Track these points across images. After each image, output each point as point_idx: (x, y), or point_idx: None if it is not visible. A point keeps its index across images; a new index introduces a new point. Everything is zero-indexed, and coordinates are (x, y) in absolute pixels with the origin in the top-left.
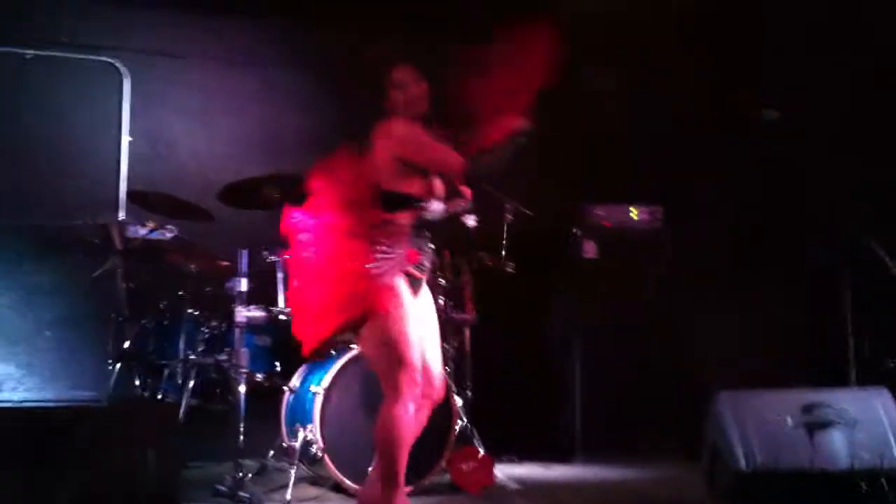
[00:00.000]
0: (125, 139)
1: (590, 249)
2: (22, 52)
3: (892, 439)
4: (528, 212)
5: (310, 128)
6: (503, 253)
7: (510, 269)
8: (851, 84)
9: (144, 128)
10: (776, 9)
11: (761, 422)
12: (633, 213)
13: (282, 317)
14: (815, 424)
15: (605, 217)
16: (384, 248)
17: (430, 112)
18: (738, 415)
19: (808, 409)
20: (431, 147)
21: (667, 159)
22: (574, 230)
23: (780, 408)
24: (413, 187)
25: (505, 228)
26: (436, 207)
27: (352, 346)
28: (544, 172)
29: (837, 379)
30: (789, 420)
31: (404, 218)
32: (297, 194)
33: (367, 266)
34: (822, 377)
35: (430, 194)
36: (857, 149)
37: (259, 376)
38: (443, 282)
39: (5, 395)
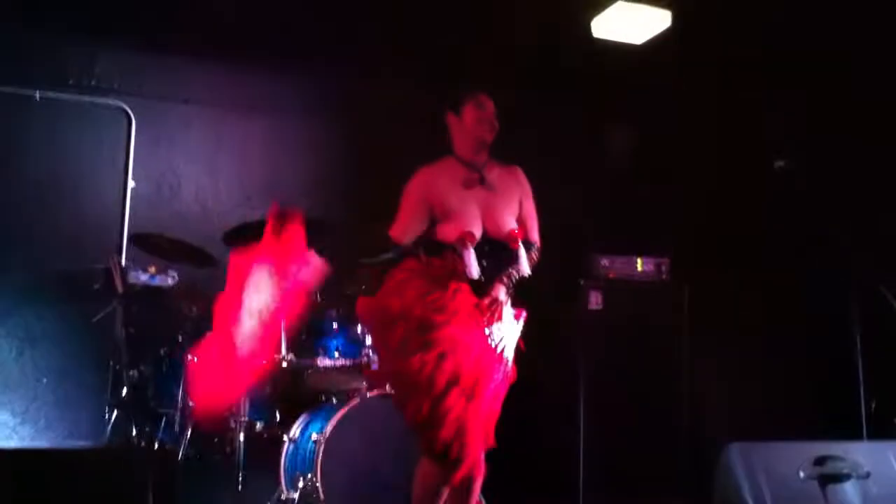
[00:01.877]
0: (129, 183)
1: (595, 300)
2: (31, 94)
3: None
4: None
5: (314, 174)
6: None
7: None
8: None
9: (150, 171)
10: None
11: (773, 474)
12: (639, 264)
13: (283, 363)
14: (828, 477)
15: (610, 268)
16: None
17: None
18: (749, 466)
19: (820, 461)
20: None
21: (677, 211)
22: (580, 280)
23: (792, 460)
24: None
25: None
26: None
27: (353, 393)
28: (552, 222)
29: (850, 432)
30: (801, 472)
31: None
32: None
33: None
34: (834, 430)
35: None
36: (868, 197)
37: (259, 425)
38: None
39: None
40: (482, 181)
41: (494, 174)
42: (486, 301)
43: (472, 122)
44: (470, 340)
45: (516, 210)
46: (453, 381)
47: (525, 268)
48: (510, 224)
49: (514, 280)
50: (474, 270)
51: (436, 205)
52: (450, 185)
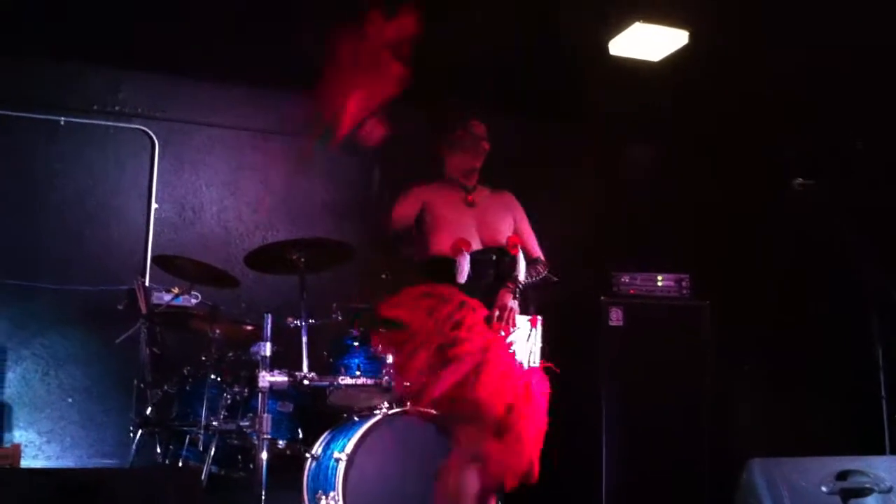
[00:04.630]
0: (153, 206)
1: (615, 316)
2: (56, 119)
3: None
4: (554, 278)
5: (335, 198)
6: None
7: None
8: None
9: (173, 194)
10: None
11: (795, 489)
12: (659, 280)
13: (305, 382)
14: (851, 492)
15: (630, 284)
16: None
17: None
18: (771, 481)
19: (842, 475)
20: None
21: (697, 228)
22: (600, 297)
23: (815, 474)
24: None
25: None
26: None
27: (375, 411)
28: (573, 239)
29: (871, 446)
30: (823, 487)
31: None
32: (320, 260)
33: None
34: (856, 445)
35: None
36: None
37: (281, 443)
38: None
39: (25, 463)
40: (472, 204)
41: (483, 197)
42: (497, 311)
43: (461, 151)
44: (494, 355)
45: (511, 225)
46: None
47: (522, 274)
48: (506, 233)
49: (519, 287)
50: (464, 276)
51: (430, 209)
52: (445, 198)
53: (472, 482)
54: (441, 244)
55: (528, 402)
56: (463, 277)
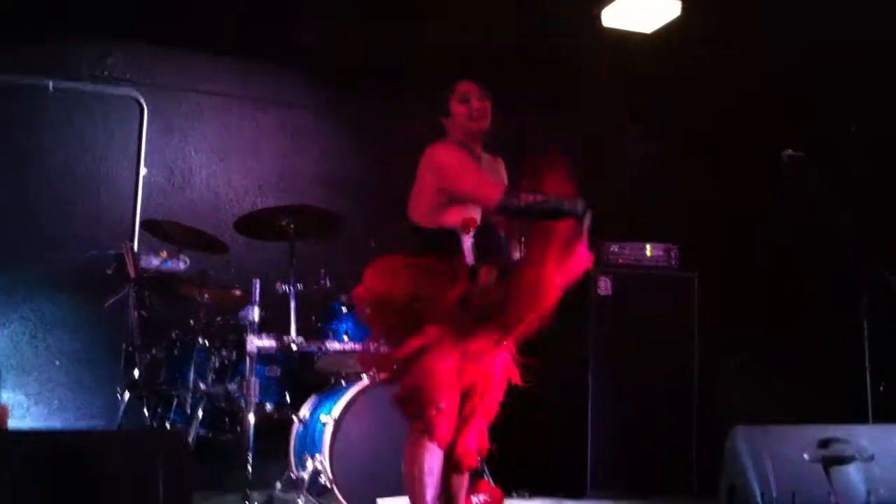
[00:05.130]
0: (142, 171)
1: (604, 286)
2: (44, 84)
3: None
4: None
5: (323, 167)
6: None
7: None
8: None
9: (162, 160)
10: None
11: (777, 456)
12: (649, 250)
13: (293, 346)
14: (832, 460)
15: (619, 254)
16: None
17: (488, 133)
18: (755, 450)
19: (824, 443)
20: (469, 176)
21: (687, 198)
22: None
23: (797, 443)
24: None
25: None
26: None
27: (362, 376)
28: None
29: (855, 416)
30: (806, 455)
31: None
32: (310, 228)
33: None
34: (840, 414)
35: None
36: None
37: (269, 406)
38: None
39: (13, 423)
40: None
41: (488, 167)
42: (476, 289)
43: (460, 118)
44: (447, 342)
45: None
46: (451, 380)
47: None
48: None
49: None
50: (470, 257)
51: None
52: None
53: (430, 460)
54: (452, 215)
55: (489, 383)
56: (470, 258)
